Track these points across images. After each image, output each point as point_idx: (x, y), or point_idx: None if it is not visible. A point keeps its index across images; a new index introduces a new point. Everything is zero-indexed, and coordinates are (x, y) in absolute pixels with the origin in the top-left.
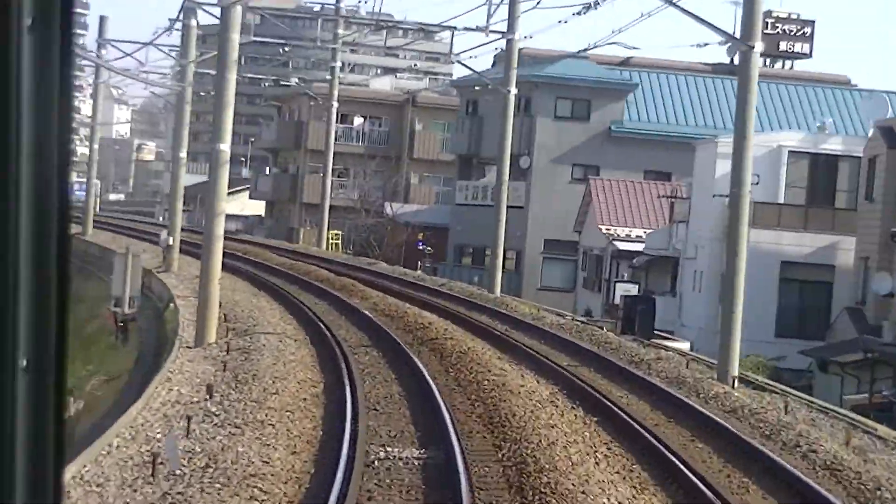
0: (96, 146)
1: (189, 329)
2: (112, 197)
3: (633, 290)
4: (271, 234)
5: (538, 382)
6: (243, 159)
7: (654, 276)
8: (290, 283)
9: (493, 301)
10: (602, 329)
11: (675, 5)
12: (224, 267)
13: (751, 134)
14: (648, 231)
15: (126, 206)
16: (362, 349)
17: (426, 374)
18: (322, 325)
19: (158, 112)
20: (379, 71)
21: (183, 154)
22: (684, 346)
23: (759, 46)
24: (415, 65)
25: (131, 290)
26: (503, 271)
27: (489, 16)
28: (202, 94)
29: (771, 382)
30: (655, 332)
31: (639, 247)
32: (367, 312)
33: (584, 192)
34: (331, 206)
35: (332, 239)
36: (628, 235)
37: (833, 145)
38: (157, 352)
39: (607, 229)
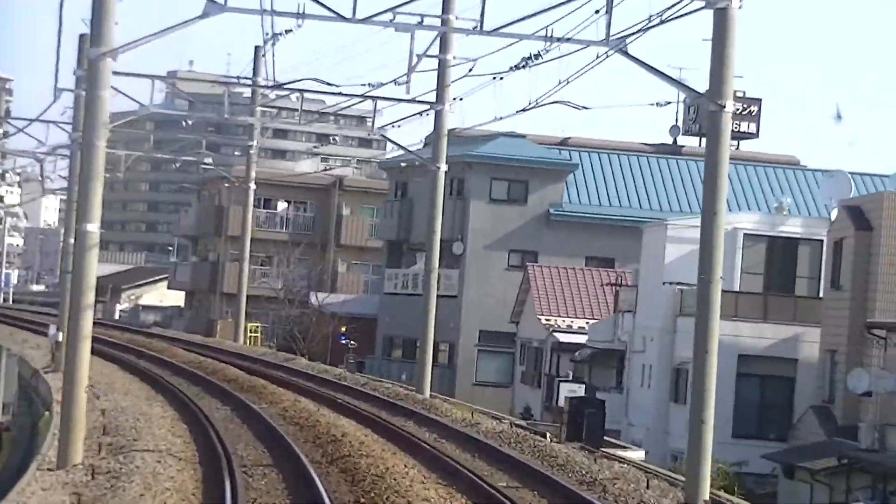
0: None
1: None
2: (34, 287)
3: (579, 390)
4: (190, 326)
5: None
6: (171, 248)
7: (599, 370)
8: (194, 383)
9: (421, 403)
10: (545, 437)
11: (626, 53)
12: (122, 365)
13: (722, 209)
14: (591, 322)
15: (49, 296)
16: (260, 470)
17: None
18: (216, 439)
19: None
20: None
21: (92, 228)
22: (639, 454)
23: (730, 106)
24: (348, 159)
25: (4, 395)
26: (435, 365)
27: (409, 79)
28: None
29: None
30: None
31: (581, 338)
32: (272, 422)
33: (521, 280)
34: (252, 297)
35: (251, 332)
36: (570, 326)
37: (792, 227)
38: (20, 471)
39: (547, 320)
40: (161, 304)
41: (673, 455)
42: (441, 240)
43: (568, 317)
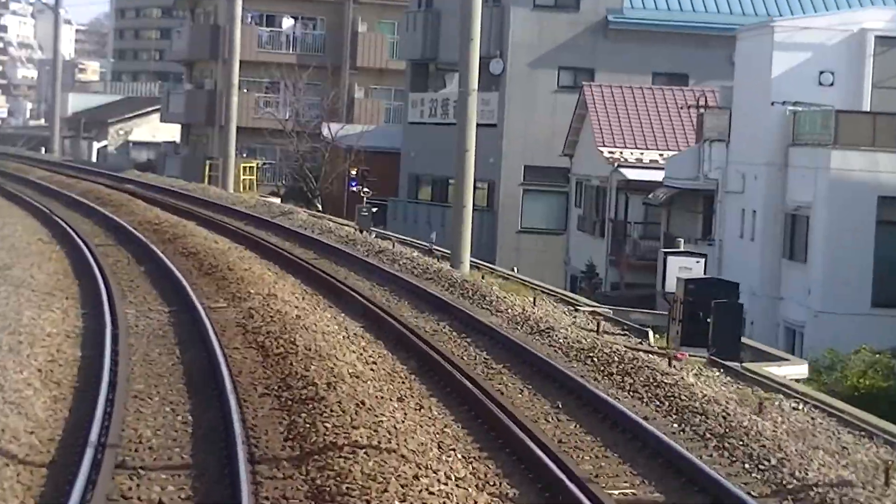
0: None
1: None
2: (33, 123)
3: (698, 267)
4: (186, 165)
5: None
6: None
7: (679, 215)
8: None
9: (460, 287)
10: (668, 355)
11: None
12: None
13: None
14: (668, 154)
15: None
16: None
17: None
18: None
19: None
20: None
21: None
22: (799, 369)
23: None
24: None
25: None
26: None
27: None
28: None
29: None
30: None
31: (655, 175)
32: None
33: (576, 104)
34: (254, 130)
35: (245, 175)
36: (639, 160)
37: None
38: None
39: (610, 152)
40: (154, 139)
41: (787, 326)
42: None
43: (636, 148)
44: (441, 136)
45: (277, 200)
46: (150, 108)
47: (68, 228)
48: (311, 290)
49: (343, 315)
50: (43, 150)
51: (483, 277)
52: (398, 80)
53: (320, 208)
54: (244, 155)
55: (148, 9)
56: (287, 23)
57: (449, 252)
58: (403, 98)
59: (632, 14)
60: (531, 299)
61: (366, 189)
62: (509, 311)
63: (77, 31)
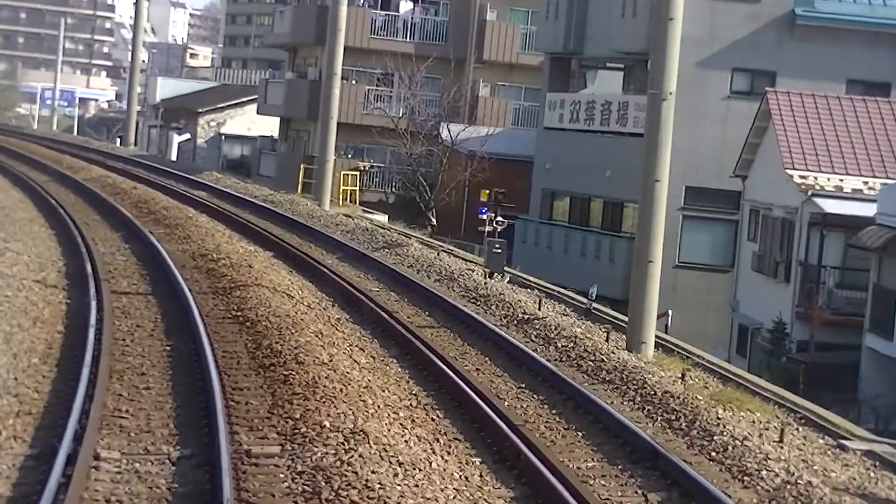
0: None
1: None
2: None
3: None
4: (283, 164)
5: None
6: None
7: (894, 263)
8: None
9: (662, 408)
10: None
11: None
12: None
13: None
14: (874, 182)
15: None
16: None
17: None
18: None
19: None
20: None
21: None
22: None
23: None
24: None
25: None
26: (618, 235)
27: None
28: None
29: None
30: None
31: (862, 209)
32: None
33: (755, 114)
34: (361, 128)
35: (346, 184)
36: (838, 188)
37: None
38: None
39: (802, 177)
40: (249, 132)
41: None
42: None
43: (834, 173)
44: (584, 145)
45: (383, 218)
46: (245, 98)
47: (88, 264)
48: (432, 404)
49: (489, 473)
50: (118, 141)
51: (684, 377)
52: (530, 78)
53: (433, 223)
54: (349, 156)
55: None
56: (405, 6)
57: (608, 309)
58: (537, 98)
59: (825, 7)
60: (771, 422)
61: (500, 219)
62: (756, 465)
63: (191, 14)
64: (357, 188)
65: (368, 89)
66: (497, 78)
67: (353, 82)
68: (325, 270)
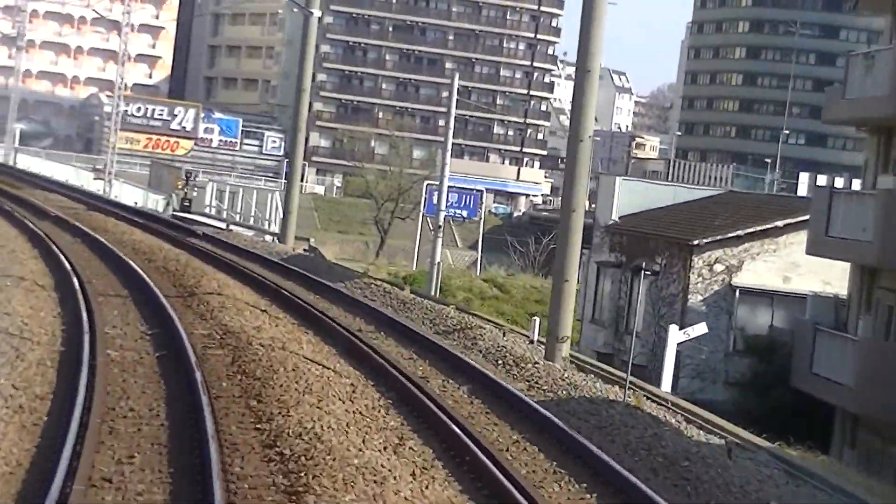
0: None
1: None
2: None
3: None
4: (872, 362)
5: None
6: (768, 161)
7: None
8: None
9: None
10: None
11: None
12: None
13: None
14: None
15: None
16: None
17: None
18: None
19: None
20: None
21: None
22: None
23: None
24: None
25: None
26: None
27: None
28: None
29: None
30: None
31: None
32: None
33: None
34: None
35: None
36: None
37: None
38: None
39: None
40: (785, 287)
41: None
42: None
43: None
44: None
45: None
46: (785, 222)
47: None
48: None
49: None
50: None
51: None
52: None
53: None
54: None
55: (726, 74)
56: None
57: None
58: None
59: None
60: None
61: None
62: None
63: (636, 102)
64: None
65: None
66: None
67: None
68: None
